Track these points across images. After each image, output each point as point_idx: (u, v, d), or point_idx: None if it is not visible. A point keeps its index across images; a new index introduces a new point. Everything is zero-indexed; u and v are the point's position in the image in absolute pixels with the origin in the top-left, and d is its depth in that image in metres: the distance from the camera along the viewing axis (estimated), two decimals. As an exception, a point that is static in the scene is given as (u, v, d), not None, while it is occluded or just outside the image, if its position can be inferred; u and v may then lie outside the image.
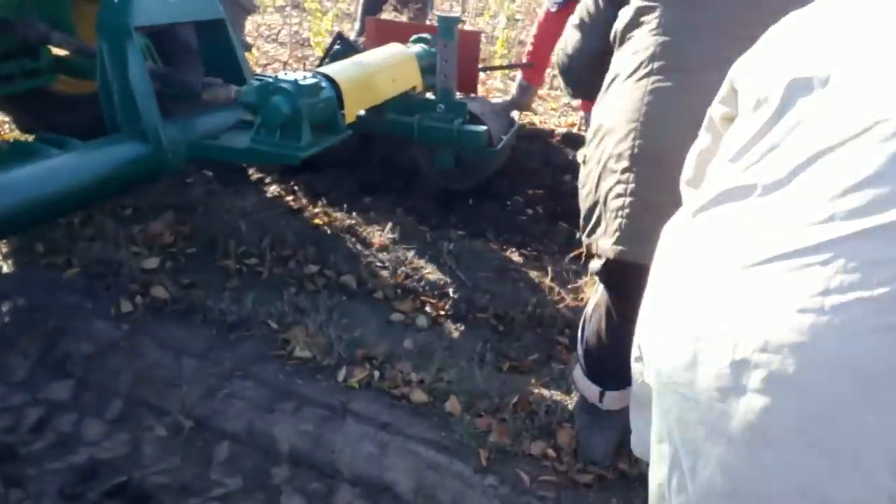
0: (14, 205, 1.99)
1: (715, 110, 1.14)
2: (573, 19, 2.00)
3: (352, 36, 5.16)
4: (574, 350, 2.20)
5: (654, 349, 0.89)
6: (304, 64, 5.79)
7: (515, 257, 3.12)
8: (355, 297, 2.81)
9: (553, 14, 4.35)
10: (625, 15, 1.75)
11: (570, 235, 3.27)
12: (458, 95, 3.26)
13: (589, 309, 2.06)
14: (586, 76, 1.97)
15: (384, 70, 2.89)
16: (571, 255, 3.12)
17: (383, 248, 3.12)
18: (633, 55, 1.68)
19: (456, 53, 3.00)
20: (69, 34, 2.98)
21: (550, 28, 4.40)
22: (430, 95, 3.36)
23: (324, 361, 2.37)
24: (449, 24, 2.97)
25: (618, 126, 1.63)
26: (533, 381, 2.40)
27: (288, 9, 6.82)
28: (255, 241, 3.06)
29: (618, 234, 1.62)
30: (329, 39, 5.63)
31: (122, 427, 2.07)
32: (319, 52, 5.54)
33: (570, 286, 2.93)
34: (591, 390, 2.04)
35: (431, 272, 2.97)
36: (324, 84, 2.44)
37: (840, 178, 0.68)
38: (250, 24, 6.71)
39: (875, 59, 0.72)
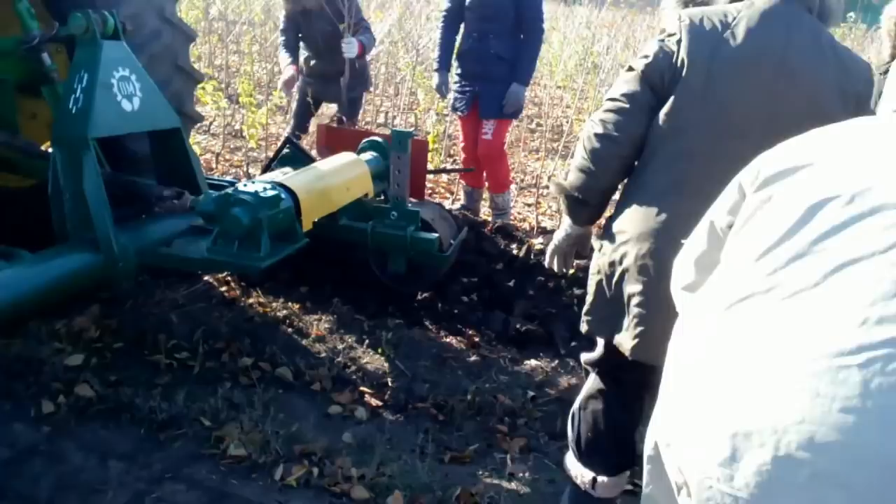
0: None
1: (720, 219, 1.18)
2: (609, 104, 1.84)
3: (285, 132, 5.27)
4: (566, 436, 2.16)
5: (684, 446, 0.89)
6: (254, 164, 5.82)
7: (453, 345, 3.15)
8: (292, 389, 2.76)
9: (467, 118, 4.66)
10: (659, 125, 1.76)
11: (505, 322, 3.34)
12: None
13: (582, 396, 2.05)
14: (624, 165, 1.85)
15: (338, 179, 2.96)
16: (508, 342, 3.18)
17: (320, 339, 3.10)
18: (658, 174, 1.75)
19: (409, 165, 3.11)
20: (13, 131, 2.94)
21: (470, 130, 4.70)
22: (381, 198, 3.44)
23: (260, 459, 2.29)
24: (402, 137, 3.09)
25: (642, 239, 1.73)
26: (475, 471, 2.39)
27: (217, 100, 6.91)
28: (187, 334, 2.99)
29: (637, 340, 1.74)
30: (262, 132, 5.72)
31: (40, 540, 1.93)
32: (253, 144, 5.61)
33: (507, 373, 2.97)
34: (585, 476, 2.01)
35: (370, 362, 2.96)
36: (283, 195, 2.47)
37: (868, 288, 0.74)
38: (182, 115, 6.75)
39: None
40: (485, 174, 4.80)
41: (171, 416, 2.46)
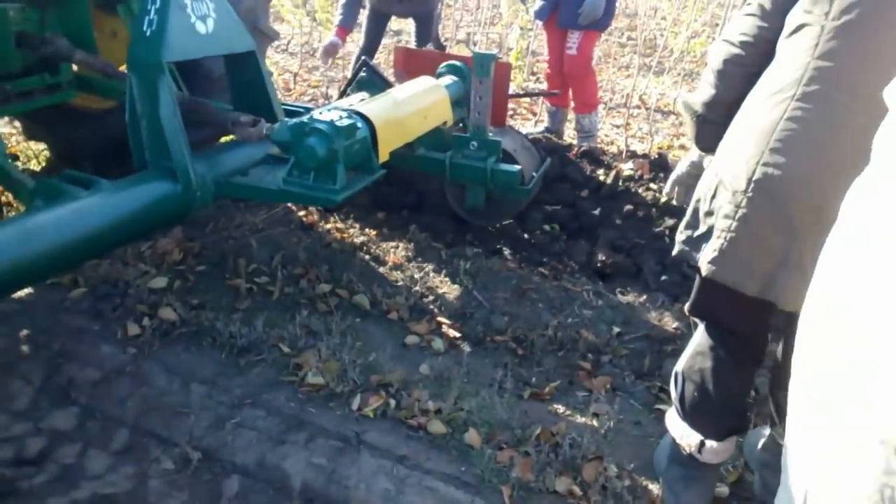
0: (42, 250, 1.88)
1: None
2: (743, 9, 1.66)
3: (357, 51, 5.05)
4: (669, 394, 1.98)
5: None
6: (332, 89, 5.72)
7: (534, 277, 3.02)
8: (369, 317, 2.72)
9: (549, 27, 4.31)
10: (789, 23, 1.56)
11: (589, 253, 3.17)
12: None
13: (689, 353, 1.86)
14: (748, 74, 1.64)
15: (416, 106, 2.80)
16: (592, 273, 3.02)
17: (397, 267, 3.03)
18: (781, 71, 1.53)
19: (490, 90, 2.91)
20: (90, 51, 2.91)
21: (554, 41, 4.35)
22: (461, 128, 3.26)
23: (337, 388, 2.27)
24: (484, 61, 2.86)
25: (745, 144, 1.53)
26: (555, 409, 2.30)
27: (299, 18, 6.75)
28: (266, 260, 2.99)
29: (716, 254, 1.58)
30: (345, 53, 5.57)
31: (127, 459, 1.98)
32: (333, 65, 5.48)
33: (591, 307, 2.82)
34: (691, 438, 1.84)
35: (447, 292, 2.88)
36: (359, 125, 2.34)
37: None
38: (261, 33, 6.67)
39: None
40: (570, 93, 4.51)
41: (251, 341, 2.46)
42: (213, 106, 2.56)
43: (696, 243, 1.69)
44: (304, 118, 2.30)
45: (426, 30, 4.84)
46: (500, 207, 3.28)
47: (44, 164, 3.81)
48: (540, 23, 4.36)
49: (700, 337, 1.82)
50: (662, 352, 2.59)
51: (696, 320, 1.85)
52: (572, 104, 4.53)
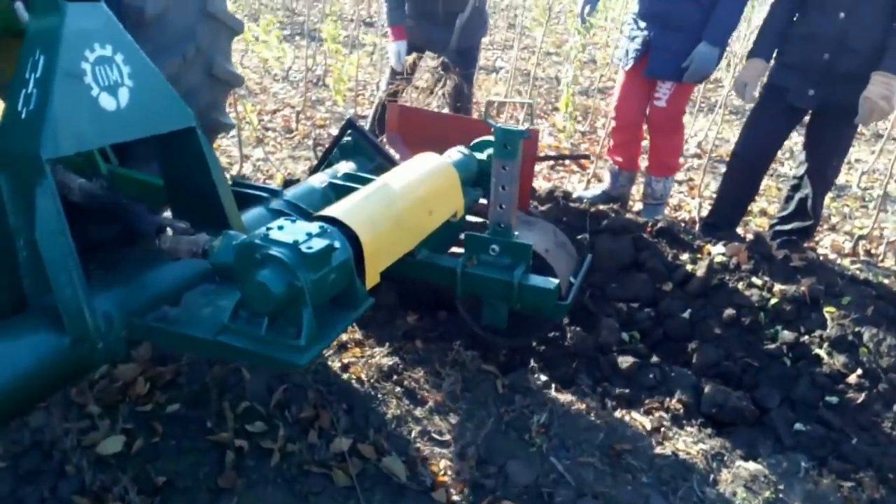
0: None
1: None
2: None
3: (379, 91, 4.24)
4: None
5: None
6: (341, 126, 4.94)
7: (626, 425, 2.24)
8: (405, 497, 1.94)
9: (631, 72, 3.52)
10: None
11: (694, 389, 2.39)
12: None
13: None
14: None
15: (417, 198, 1.99)
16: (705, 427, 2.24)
17: (440, 408, 2.25)
18: None
19: (518, 176, 2.10)
20: None
21: (633, 90, 3.55)
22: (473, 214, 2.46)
23: None
24: (510, 139, 2.03)
25: None
26: None
27: (297, 38, 5.98)
28: (263, 395, 2.21)
29: None
30: (356, 87, 4.79)
31: None
32: (340, 101, 4.68)
33: (713, 483, 2.04)
34: None
35: (512, 452, 2.10)
36: (337, 243, 1.54)
37: None
38: (256, 59, 5.90)
39: None
40: (632, 153, 3.71)
41: (239, 565, 1.67)
42: (133, 205, 1.76)
43: None
44: (257, 236, 1.49)
45: (465, 65, 3.95)
46: (529, 325, 2.47)
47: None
48: (626, 67, 3.54)
49: None
50: (831, 569, 1.82)
51: None
52: (647, 165, 3.71)
